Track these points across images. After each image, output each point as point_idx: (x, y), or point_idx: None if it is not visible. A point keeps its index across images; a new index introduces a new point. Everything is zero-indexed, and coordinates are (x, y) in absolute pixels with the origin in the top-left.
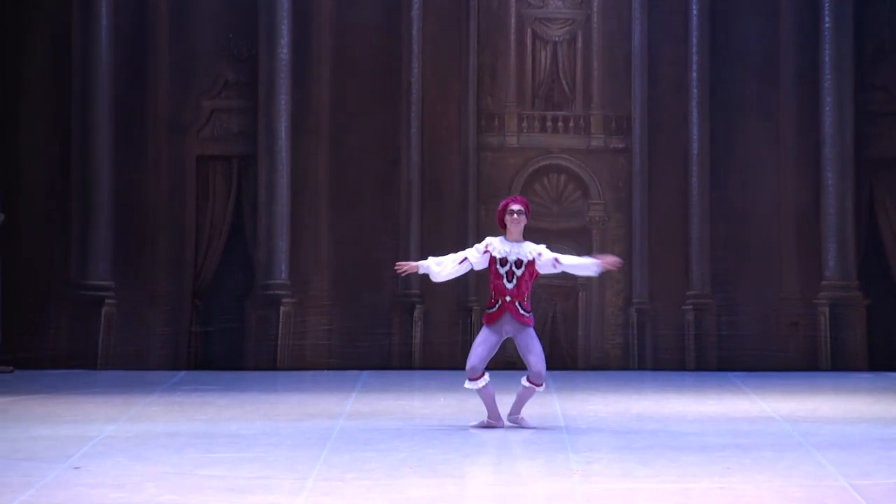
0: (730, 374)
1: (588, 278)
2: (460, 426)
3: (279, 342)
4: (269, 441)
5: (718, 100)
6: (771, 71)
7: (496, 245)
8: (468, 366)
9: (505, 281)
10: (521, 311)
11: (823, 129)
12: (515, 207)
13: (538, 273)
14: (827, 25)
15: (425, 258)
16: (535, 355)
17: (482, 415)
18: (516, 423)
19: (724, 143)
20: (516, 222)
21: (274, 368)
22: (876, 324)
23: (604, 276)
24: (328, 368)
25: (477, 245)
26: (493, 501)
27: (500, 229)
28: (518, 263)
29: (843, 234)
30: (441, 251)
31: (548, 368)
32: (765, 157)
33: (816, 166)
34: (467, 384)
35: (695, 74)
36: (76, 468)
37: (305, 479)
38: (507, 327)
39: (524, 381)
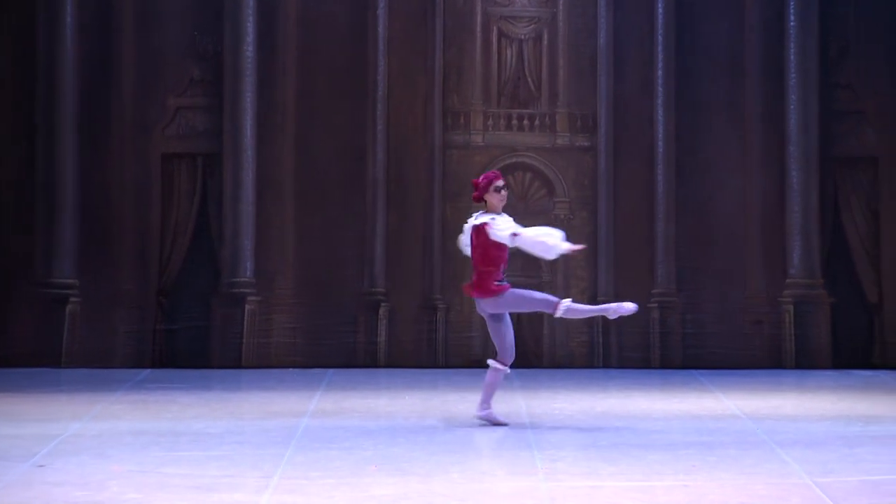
0: (695, 371)
1: (553, 276)
2: (425, 424)
3: (244, 340)
4: (233, 439)
5: (684, 98)
6: (736, 69)
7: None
8: None
9: (470, 251)
10: (471, 283)
11: (788, 127)
12: (501, 183)
13: (495, 241)
14: (792, 24)
15: (390, 257)
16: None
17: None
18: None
19: (690, 142)
20: (504, 198)
21: (239, 367)
22: (840, 322)
23: (569, 274)
24: (293, 367)
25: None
26: (458, 499)
27: (476, 203)
28: (474, 230)
29: (807, 232)
30: (406, 249)
31: (513, 367)
32: (730, 156)
33: (781, 165)
34: None
35: (660, 73)
36: (40, 466)
37: (270, 478)
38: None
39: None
